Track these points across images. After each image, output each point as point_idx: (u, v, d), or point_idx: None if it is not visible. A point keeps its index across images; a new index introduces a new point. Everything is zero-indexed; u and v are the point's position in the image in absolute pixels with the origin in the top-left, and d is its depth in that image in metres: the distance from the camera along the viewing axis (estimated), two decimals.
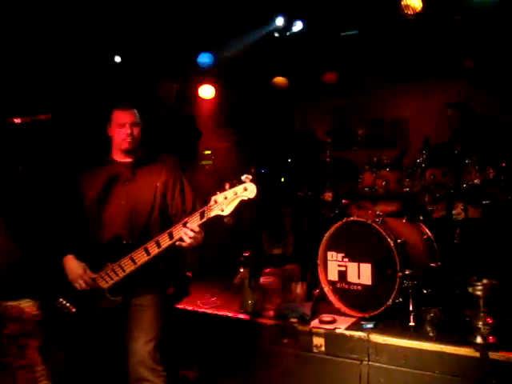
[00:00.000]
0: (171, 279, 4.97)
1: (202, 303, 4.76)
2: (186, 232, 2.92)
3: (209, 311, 4.60)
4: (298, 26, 6.09)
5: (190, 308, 4.69)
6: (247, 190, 2.78)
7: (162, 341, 3.20)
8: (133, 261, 3.02)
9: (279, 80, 7.27)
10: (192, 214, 2.96)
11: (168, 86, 5.88)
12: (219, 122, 7.05)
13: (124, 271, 3.04)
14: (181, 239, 2.95)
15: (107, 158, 3.40)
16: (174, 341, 3.47)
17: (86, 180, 3.33)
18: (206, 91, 7.22)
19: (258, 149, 6.72)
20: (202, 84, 7.19)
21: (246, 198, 2.79)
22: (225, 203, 2.82)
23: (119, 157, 3.35)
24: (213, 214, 2.87)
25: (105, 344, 3.15)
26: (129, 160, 3.34)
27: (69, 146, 4.76)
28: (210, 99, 7.19)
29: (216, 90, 7.19)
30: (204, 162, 6.53)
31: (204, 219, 2.89)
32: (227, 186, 2.82)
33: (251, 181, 2.79)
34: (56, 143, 4.53)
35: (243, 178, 2.81)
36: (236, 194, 2.80)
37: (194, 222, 2.91)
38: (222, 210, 2.83)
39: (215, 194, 2.85)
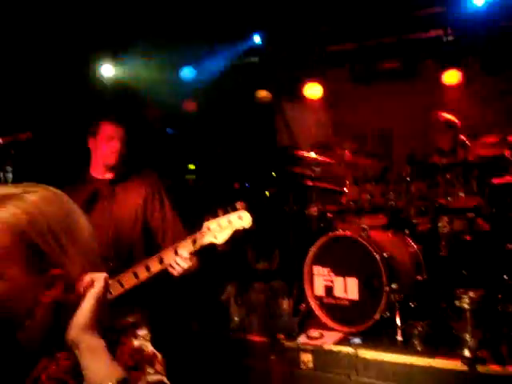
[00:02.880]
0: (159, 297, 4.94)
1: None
2: (177, 260, 2.76)
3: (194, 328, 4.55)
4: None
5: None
6: (242, 218, 2.69)
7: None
8: (120, 284, 2.87)
9: (262, 94, 7.28)
10: (183, 239, 2.83)
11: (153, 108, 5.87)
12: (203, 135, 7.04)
13: (111, 293, 2.96)
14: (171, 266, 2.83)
15: (85, 175, 3.25)
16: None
17: None
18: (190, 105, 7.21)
19: (241, 163, 6.70)
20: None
21: (241, 228, 2.70)
22: (218, 231, 2.71)
23: (99, 173, 3.22)
24: (205, 241, 2.75)
25: None
26: (108, 176, 3.21)
27: (49, 163, 4.69)
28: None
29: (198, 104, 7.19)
30: (188, 177, 6.49)
31: (197, 247, 2.76)
32: (220, 213, 2.72)
33: (245, 208, 2.70)
34: (37, 161, 4.46)
35: (237, 204, 2.71)
36: (230, 222, 2.70)
37: (186, 248, 2.76)
38: (216, 238, 2.72)
39: (208, 219, 2.74)
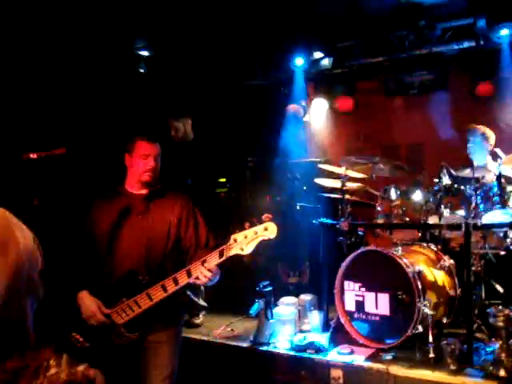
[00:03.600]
0: (186, 311, 4.97)
1: (217, 334, 4.72)
2: (203, 271, 2.88)
3: (225, 342, 4.55)
4: None
5: (205, 339, 4.64)
6: (268, 229, 2.79)
7: (176, 375, 3.16)
8: (149, 297, 2.97)
9: (293, 107, 7.30)
10: (211, 251, 2.92)
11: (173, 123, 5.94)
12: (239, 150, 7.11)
13: (140, 307, 2.99)
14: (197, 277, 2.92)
15: (120, 189, 3.33)
16: (189, 373, 3.43)
17: (98, 209, 3.27)
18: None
19: (273, 176, 6.71)
20: None
21: (267, 238, 2.80)
22: (244, 242, 2.81)
23: (134, 188, 3.29)
24: (232, 253, 2.85)
25: (119, 382, 3.10)
26: (143, 192, 3.28)
27: (83, 178, 4.78)
28: None
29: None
30: (219, 190, 6.53)
31: (223, 258, 2.87)
32: (247, 225, 2.82)
33: (271, 220, 2.80)
34: (71, 176, 4.56)
35: (263, 217, 2.83)
36: (256, 233, 2.80)
37: (213, 261, 2.88)
38: (242, 250, 2.83)
39: (235, 232, 2.84)
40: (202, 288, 5.32)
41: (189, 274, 2.92)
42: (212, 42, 6.28)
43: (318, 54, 6.73)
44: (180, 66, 6.54)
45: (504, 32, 5.82)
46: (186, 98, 6.84)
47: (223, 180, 6.55)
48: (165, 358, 3.14)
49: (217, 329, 4.84)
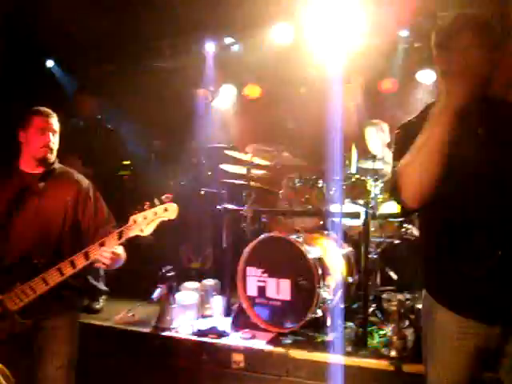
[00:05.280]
0: (84, 296, 4.82)
1: (118, 319, 4.62)
2: (103, 253, 2.79)
3: (125, 328, 4.46)
4: None
5: (106, 324, 4.53)
6: (168, 210, 2.76)
7: (75, 362, 3.05)
8: (45, 281, 2.81)
9: (201, 92, 7.26)
10: (110, 233, 2.84)
11: (85, 97, 5.70)
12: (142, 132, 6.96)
13: (35, 292, 2.82)
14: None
15: (13, 168, 3.12)
16: (89, 359, 3.32)
17: None
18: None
19: (178, 160, 6.65)
20: None
21: (167, 219, 2.77)
22: (144, 223, 2.77)
23: (29, 167, 3.10)
24: (131, 234, 2.79)
25: (14, 372, 2.94)
26: (39, 171, 3.10)
27: None
28: None
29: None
30: (122, 173, 6.37)
31: (122, 239, 2.79)
32: (147, 206, 2.77)
33: (171, 201, 2.77)
34: None
35: (163, 197, 2.77)
36: (156, 214, 2.76)
37: (111, 243, 2.79)
38: (142, 231, 2.78)
39: (134, 213, 2.78)
40: (102, 272, 5.18)
41: (86, 257, 2.81)
42: (116, 22, 6.13)
43: (228, 40, 6.69)
44: (87, 40, 6.29)
45: None
46: (91, 74, 6.61)
47: (127, 163, 6.39)
48: (61, 346, 3.00)
49: (118, 314, 4.73)
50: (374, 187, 4.77)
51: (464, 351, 2.08)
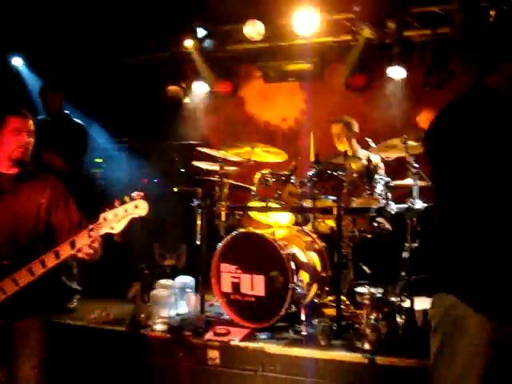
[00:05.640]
0: (56, 296, 4.78)
1: (92, 318, 4.58)
2: (74, 252, 2.80)
3: (99, 326, 4.43)
4: None
5: (79, 324, 4.49)
6: (138, 207, 2.77)
7: (47, 363, 3.03)
8: (15, 282, 2.79)
9: (172, 89, 7.22)
10: (80, 231, 2.83)
11: (53, 94, 5.62)
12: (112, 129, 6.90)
13: (5, 293, 2.80)
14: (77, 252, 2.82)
15: None
16: (63, 359, 3.30)
17: None
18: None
19: (150, 158, 6.61)
20: None
21: (137, 216, 2.78)
22: (115, 221, 2.77)
23: (3, 167, 3.08)
24: (102, 231, 2.79)
25: None
26: (13, 172, 3.09)
27: None
28: None
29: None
30: (94, 170, 6.32)
31: (92, 238, 2.80)
32: (117, 203, 2.78)
33: (141, 198, 2.78)
34: None
35: (134, 194, 2.78)
36: (127, 211, 2.77)
37: (82, 241, 2.79)
38: (112, 228, 2.78)
39: (104, 211, 2.79)
40: (76, 271, 5.14)
41: (57, 255, 2.80)
42: (84, 18, 6.09)
43: (200, 34, 6.65)
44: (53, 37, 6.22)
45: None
46: (58, 72, 6.52)
47: (99, 160, 6.34)
48: (35, 346, 2.98)
49: (92, 313, 4.68)
50: (347, 182, 4.81)
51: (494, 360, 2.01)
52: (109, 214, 2.78)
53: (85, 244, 2.80)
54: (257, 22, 6.19)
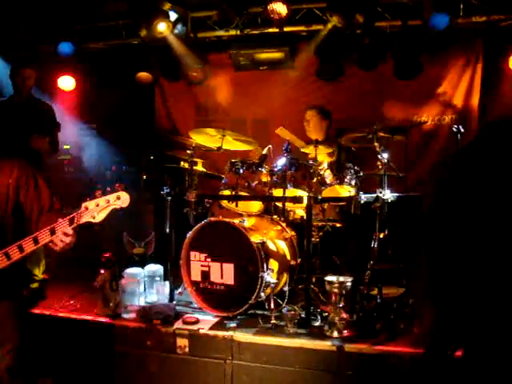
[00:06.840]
0: (25, 283, 4.68)
1: (59, 307, 4.52)
2: (53, 239, 2.80)
3: (67, 315, 4.38)
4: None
5: (47, 313, 4.43)
6: (120, 198, 2.82)
7: (19, 351, 2.99)
8: None
9: (143, 75, 7.12)
10: (60, 217, 2.83)
11: (25, 74, 5.47)
12: (80, 116, 6.79)
13: None
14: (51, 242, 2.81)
15: None
16: (30, 348, 3.24)
17: None
18: (66, 82, 6.95)
19: (119, 145, 6.53)
20: (61, 74, 6.93)
21: (119, 207, 2.83)
22: (96, 210, 2.81)
23: None
24: (83, 220, 2.81)
25: None
26: None
27: None
28: (70, 91, 6.98)
29: (77, 82, 6.98)
30: (63, 157, 6.22)
31: (73, 226, 2.81)
32: (98, 193, 2.81)
33: (123, 189, 2.82)
34: None
35: (116, 186, 2.82)
36: (108, 201, 2.81)
37: (63, 229, 2.80)
38: (93, 218, 2.81)
39: (86, 200, 2.81)
40: (43, 259, 5.06)
41: (36, 241, 2.80)
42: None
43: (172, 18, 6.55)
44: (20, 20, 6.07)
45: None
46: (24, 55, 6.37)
47: (67, 147, 6.24)
48: (8, 332, 2.96)
49: (59, 302, 4.63)
50: (317, 172, 4.83)
51: None
52: (90, 204, 2.81)
53: (63, 231, 2.79)
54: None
